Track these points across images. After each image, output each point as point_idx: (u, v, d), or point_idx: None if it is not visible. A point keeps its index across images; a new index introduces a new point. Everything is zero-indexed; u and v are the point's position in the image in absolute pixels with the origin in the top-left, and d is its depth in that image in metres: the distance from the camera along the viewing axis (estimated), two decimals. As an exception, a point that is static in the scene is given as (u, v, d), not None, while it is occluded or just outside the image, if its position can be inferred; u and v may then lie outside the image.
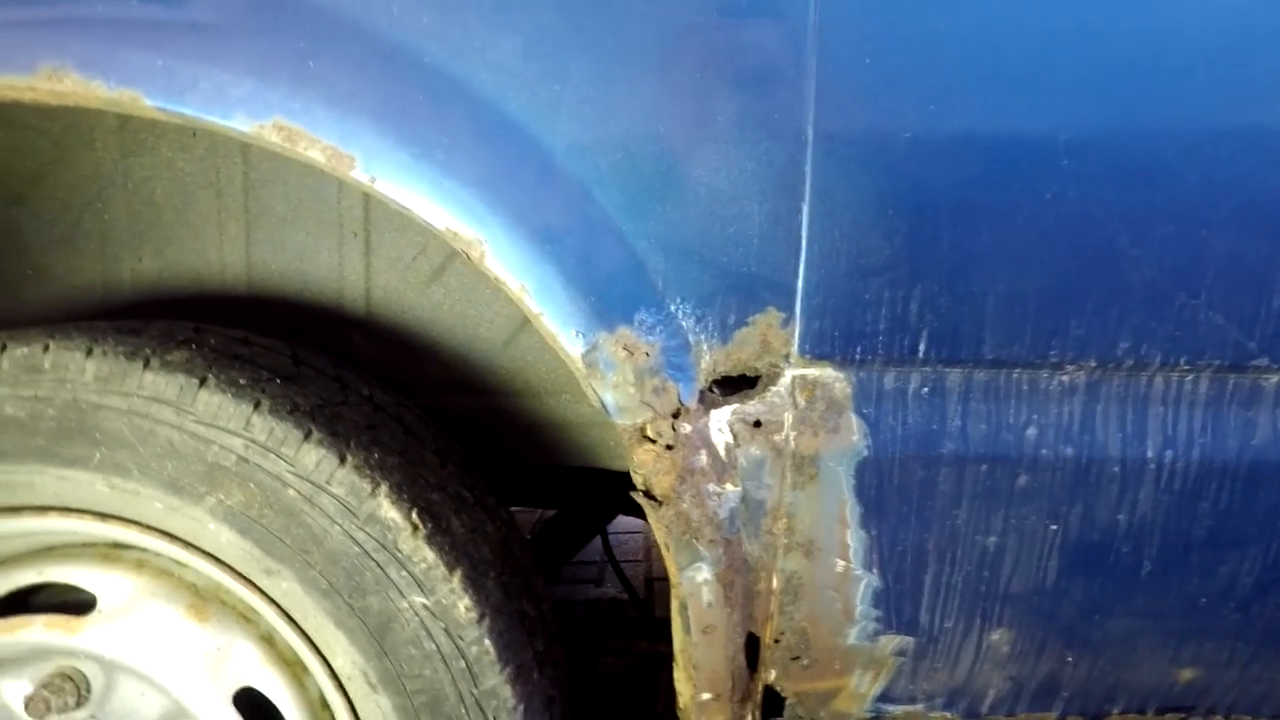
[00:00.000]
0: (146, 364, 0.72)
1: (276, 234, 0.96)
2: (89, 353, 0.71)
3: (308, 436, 0.72)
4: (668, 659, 1.54)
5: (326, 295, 0.98)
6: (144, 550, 0.80)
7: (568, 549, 1.51)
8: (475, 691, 0.75)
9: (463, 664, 0.75)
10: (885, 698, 0.81)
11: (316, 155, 0.64)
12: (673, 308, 0.68)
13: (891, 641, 0.77)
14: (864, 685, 0.79)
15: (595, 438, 1.05)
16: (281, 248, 0.97)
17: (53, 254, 0.98)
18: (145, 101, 0.62)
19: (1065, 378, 0.71)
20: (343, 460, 0.73)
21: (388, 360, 1.00)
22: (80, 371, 0.71)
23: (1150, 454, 0.72)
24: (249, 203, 0.96)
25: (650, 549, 2.43)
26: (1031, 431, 0.72)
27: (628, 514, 1.66)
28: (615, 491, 1.46)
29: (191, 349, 0.76)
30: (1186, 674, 0.80)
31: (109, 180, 0.95)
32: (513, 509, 1.03)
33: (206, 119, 0.63)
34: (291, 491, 0.72)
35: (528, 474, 1.29)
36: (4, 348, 0.71)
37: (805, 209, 0.66)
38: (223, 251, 0.98)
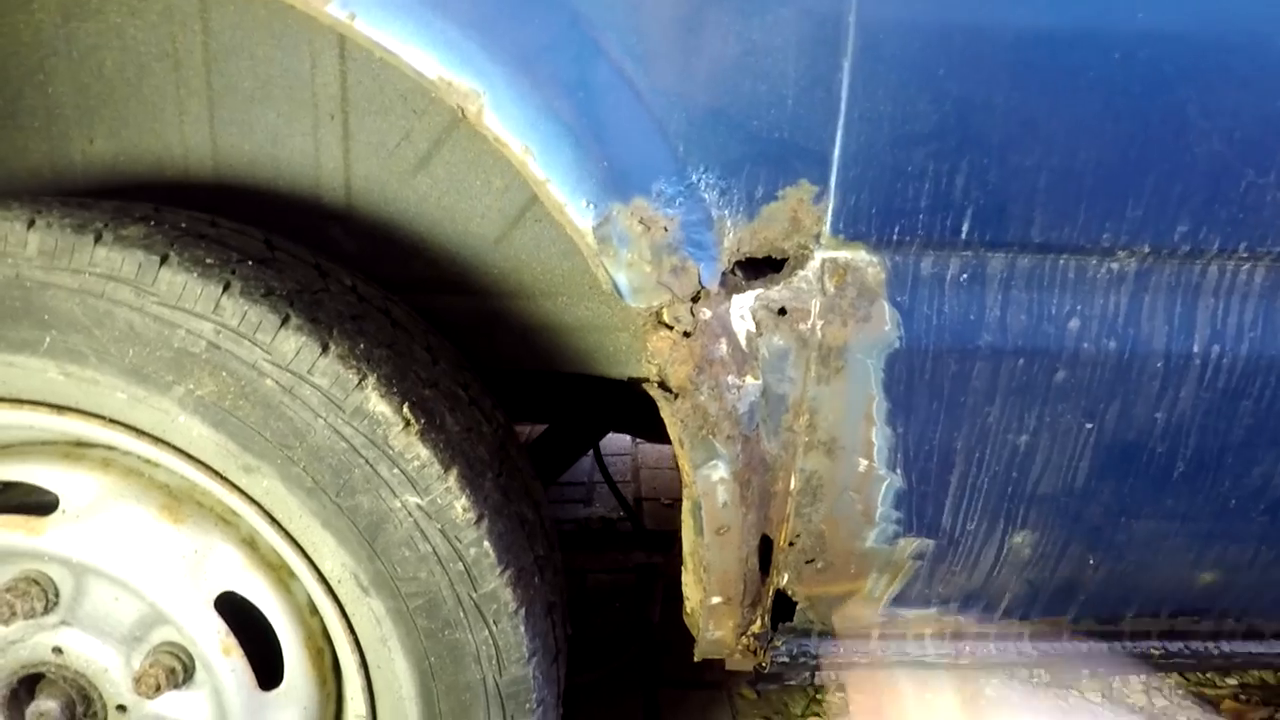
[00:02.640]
0: (99, 238, 0.64)
1: (244, 114, 0.87)
2: (31, 224, 0.63)
3: (285, 322, 0.66)
4: (661, 572, 1.53)
5: (302, 184, 0.90)
6: (110, 449, 0.74)
7: (559, 465, 1.47)
8: (474, 595, 0.71)
9: (460, 566, 0.70)
10: (899, 601, 0.78)
11: (286, -14, 0.55)
12: (694, 178, 0.61)
13: (910, 544, 0.74)
14: (879, 589, 0.77)
15: (592, 343, 1.00)
16: (250, 130, 0.88)
17: (-8, 131, 0.88)
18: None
19: (1115, 265, 0.66)
20: (325, 349, 0.66)
21: (370, 256, 0.92)
22: (21, 245, 0.63)
23: (1196, 348, 0.67)
24: (211, 78, 0.86)
25: (638, 470, 2.42)
26: (1074, 323, 0.67)
27: (620, 430, 1.62)
28: (607, 405, 1.41)
29: (150, 225, 0.68)
30: (1207, 577, 0.78)
31: (50, 48, 0.85)
32: (506, 417, 0.98)
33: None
34: (269, 381, 0.65)
35: (518, 384, 1.24)
36: (-67, 217, 0.63)
37: (847, 66, 0.58)
38: (184, 133, 0.89)
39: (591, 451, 1.55)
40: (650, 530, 1.69)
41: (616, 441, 2.35)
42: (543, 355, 1.01)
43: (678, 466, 2.27)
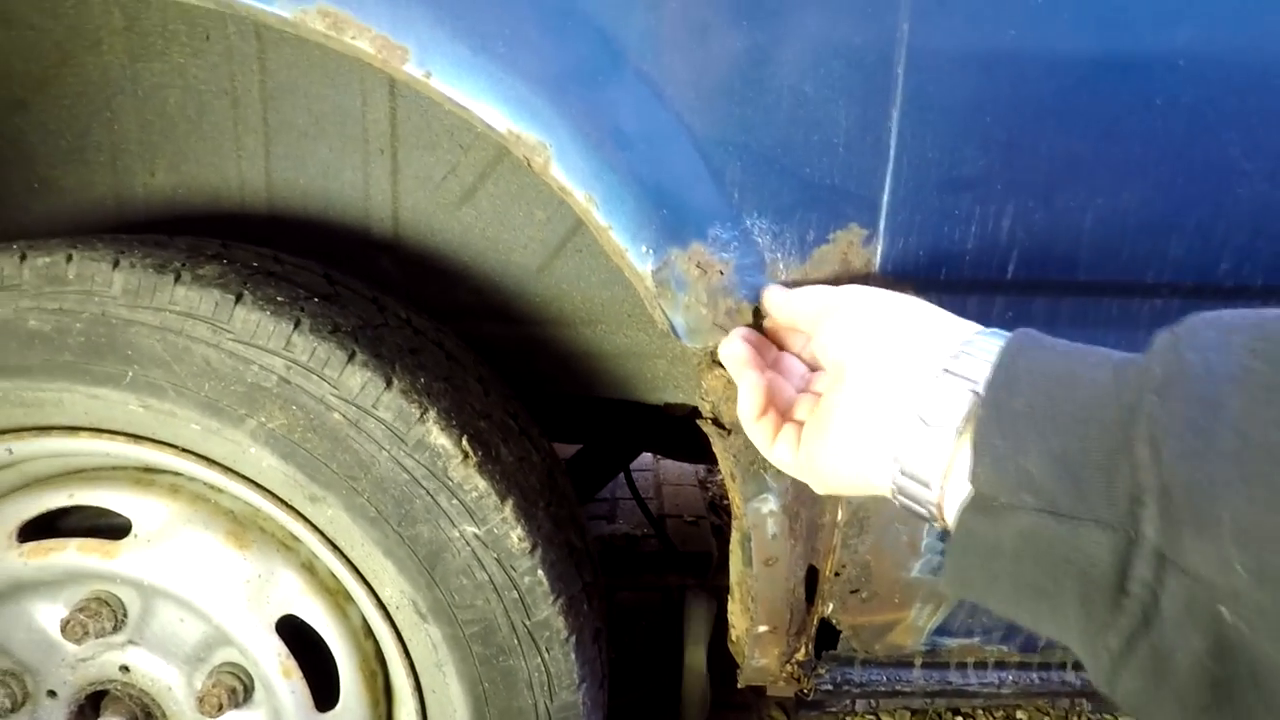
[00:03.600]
0: (178, 278, 0.67)
1: (298, 149, 0.91)
2: (116, 264, 0.66)
3: (352, 358, 0.68)
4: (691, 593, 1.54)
5: (352, 216, 0.93)
6: (178, 475, 0.77)
7: (592, 486, 1.49)
8: (528, 623, 0.73)
9: (515, 595, 0.72)
10: (942, 631, 0.79)
11: (365, 46, 0.58)
12: (748, 223, 0.63)
13: (954, 575, 0.75)
14: (922, 618, 0.78)
15: (631, 369, 1.02)
16: (303, 164, 0.91)
17: (61, 166, 0.92)
18: (175, -21, 0.56)
19: (1159, 302, 0.67)
20: (389, 383, 0.69)
21: (416, 285, 0.95)
22: (107, 284, 0.66)
23: (1239, 385, 0.69)
24: (268, 115, 0.90)
25: (660, 487, 2.43)
26: (1117, 360, 0.68)
27: (650, 450, 1.64)
28: (640, 426, 1.43)
29: (223, 263, 0.71)
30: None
31: (118, 87, 0.89)
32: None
33: (244, 2, 0.57)
34: (336, 415, 0.68)
35: (554, 406, 1.26)
36: (23, 256, 0.66)
37: (895, 114, 0.60)
38: (241, 167, 0.93)
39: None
40: (682, 552, 1.70)
41: (638, 458, 2.36)
42: (582, 381, 1.03)
43: (701, 486, 2.27)
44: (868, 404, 0.48)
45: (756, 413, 0.57)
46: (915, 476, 0.44)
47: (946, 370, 0.44)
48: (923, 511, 0.45)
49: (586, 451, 1.49)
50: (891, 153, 0.61)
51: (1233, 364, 0.34)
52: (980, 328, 0.49)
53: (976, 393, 0.42)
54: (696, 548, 1.84)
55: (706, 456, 1.58)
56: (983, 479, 0.40)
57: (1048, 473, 0.37)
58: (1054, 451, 0.37)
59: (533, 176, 0.87)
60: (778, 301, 0.61)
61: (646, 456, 2.42)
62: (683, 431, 1.41)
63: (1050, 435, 0.37)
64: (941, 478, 0.43)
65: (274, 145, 0.91)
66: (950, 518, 0.43)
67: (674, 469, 2.46)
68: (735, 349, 0.60)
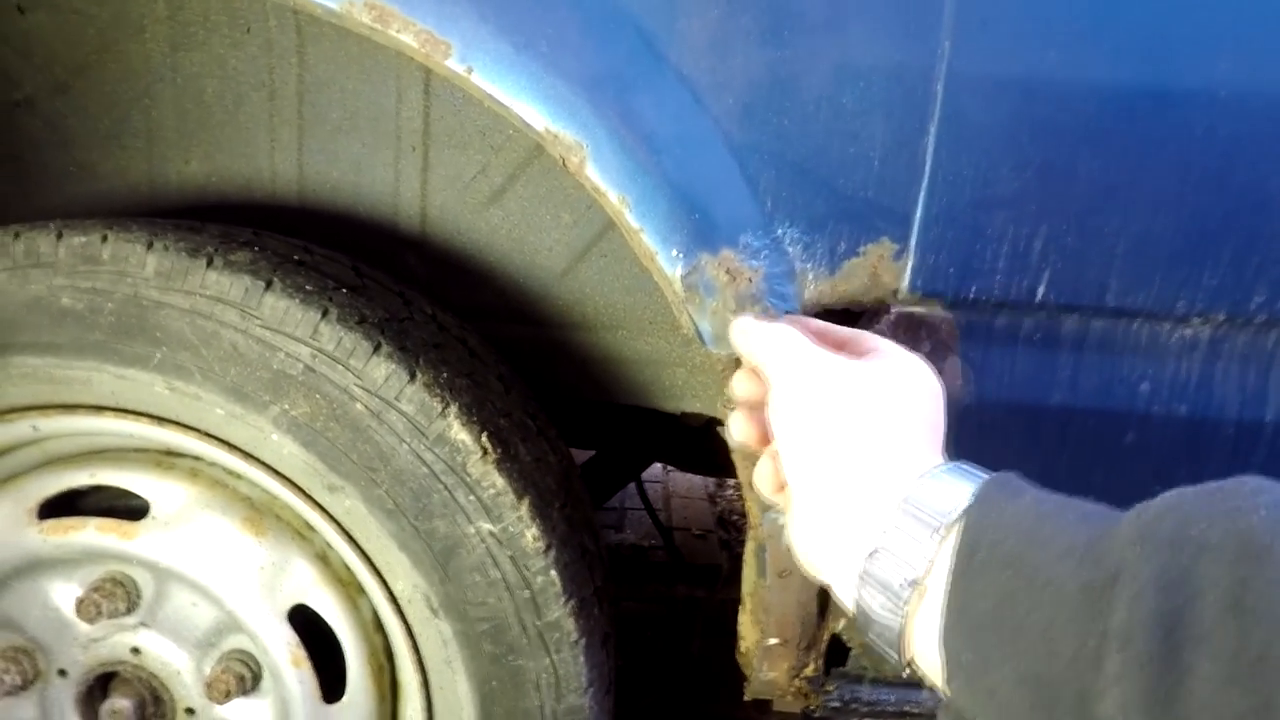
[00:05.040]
0: (210, 262, 0.67)
1: (331, 143, 0.91)
2: (150, 246, 0.67)
3: (377, 349, 0.69)
4: (702, 607, 1.53)
5: (381, 211, 0.94)
6: (198, 459, 0.77)
7: (604, 492, 1.49)
8: (539, 623, 0.73)
9: (528, 594, 0.72)
10: (955, 654, 0.78)
11: (409, 39, 0.58)
12: (780, 231, 0.63)
13: (969, 597, 0.74)
14: (935, 640, 0.77)
15: (650, 376, 1.02)
16: (335, 158, 0.92)
17: (98, 150, 0.93)
18: (226, -33, 0.57)
19: (1189, 331, 0.66)
20: (413, 376, 0.69)
21: (441, 283, 0.96)
22: (141, 265, 0.67)
23: (1269, 417, 0.68)
24: (303, 108, 0.91)
25: (670, 499, 2.42)
26: (1145, 386, 0.67)
27: (663, 460, 1.63)
28: (655, 436, 1.43)
29: (254, 250, 0.71)
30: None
31: (158, 75, 0.90)
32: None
33: (291, -9, 0.58)
34: (359, 406, 0.68)
35: (569, 410, 1.26)
36: (60, 235, 0.67)
37: (933, 130, 0.60)
38: (274, 158, 0.94)
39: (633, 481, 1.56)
40: (692, 564, 1.69)
41: (647, 470, 2.36)
42: (601, 386, 1.03)
43: (711, 500, 2.26)
44: (823, 539, 0.46)
45: (771, 487, 0.53)
46: (879, 625, 0.42)
47: (901, 517, 0.41)
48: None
49: (599, 458, 1.49)
50: (927, 169, 0.61)
51: (1205, 614, 0.31)
52: (929, 461, 0.44)
53: (926, 568, 0.39)
54: (704, 561, 1.83)
55: (719, 469, 1.57)
56: (954, 691, 0.38)
57: (1016, 696, 0.36)
58: (1021, 673, 0.35)
59: (562, 180, 0.88)
60: (735, 339, 0.57)
61: (656, 468, 2.41)
62: (696, 443, 1.40)
63: (1017, 654, 0.35)
64: (903, 634, 0.40)
65: (308, 138, 0.92)
66: (916, 659, 0.41)
67: (683, 482, 2.46)
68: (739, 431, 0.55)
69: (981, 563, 0.38)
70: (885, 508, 0.43)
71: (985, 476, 0.42)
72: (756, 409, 0.55)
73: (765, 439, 0.54)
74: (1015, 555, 0.37)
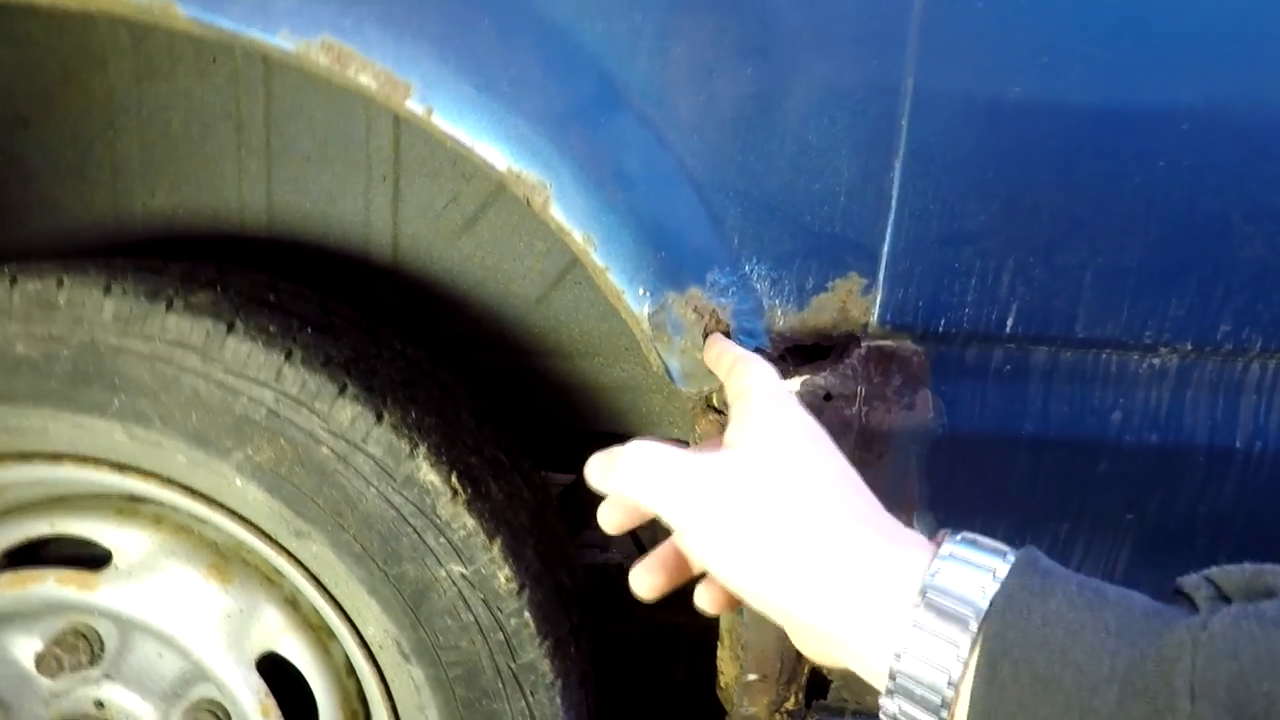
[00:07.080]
0: (170, 305, 0.66)
1: (300, 174, 0.91)
2: (107, 290, 0.66)
3: (343, 391, 0.68)
4: (686, 632, 1.52)
5: (352, 241, 0.93)
6: (161, 505, 0.76)
7: (584, 518, 1.48)
8: (513, 665, 0.71)
9: (501, 636, 0.71)
10: (935, 685, 0.77)
11: (368, 80, 0.58)
12: (747, 268, 0.62)
13: (948, 628, 0.74)
14: (915, 671, 0.76)
15: (626, 402, 1.01)
16: (305, 189, 0.91)
17: (61, 184, 0.91)
18: (179, 9, 0.55)
19: (1157, 360, 0.66)
20: (379, 418, 0.68)
21: (414, 313, 0.95)
22: (98, 310, 0.65)
23: (1239, 444, 0.68)
24: (271, 139, 0.90)
25: (656, 521, 2.41)
26: (1116, 416, 0.67)
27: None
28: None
29: (217, 291, 0.70)
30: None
31: (121, 107, 0.89)
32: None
33: (247, 34, 0.57)
34: (325, 449, 0.67)
35: (548, 436, 1.25)
36: (14, 281, 0.65)
37: (898, 166, 0.60)
38: (242, 190, 0.93)
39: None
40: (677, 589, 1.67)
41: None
42: (578, 412, 1.02)
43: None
44: (826, 648, 0.44)
45: (722, 605, 0.50)
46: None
47: (923, 614, 0.38)
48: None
49: (580, 482, 1.48)
50: (893, 203, 0.61)
51: None
52: (908, 537, 0.43)
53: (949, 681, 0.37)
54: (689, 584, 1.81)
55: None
56: None
57: None
58: None
59: (534, 211, 0.87)
60: (709, 357, 0.57)
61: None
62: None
63: None
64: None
65: (276, 169, 0.91)
66: None
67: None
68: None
69: (1008, 679, 0.35)
70: (896, 605, 0.39)
71: (1004, 559, 0.39)
72: (670, 563, 0.52)
73: (681, 573, 0.51)
74: (1049, 678, 0.35)
